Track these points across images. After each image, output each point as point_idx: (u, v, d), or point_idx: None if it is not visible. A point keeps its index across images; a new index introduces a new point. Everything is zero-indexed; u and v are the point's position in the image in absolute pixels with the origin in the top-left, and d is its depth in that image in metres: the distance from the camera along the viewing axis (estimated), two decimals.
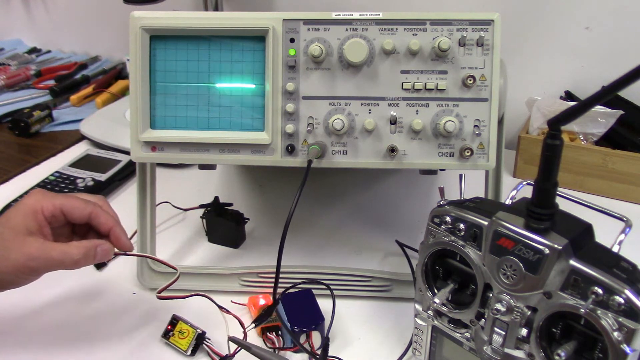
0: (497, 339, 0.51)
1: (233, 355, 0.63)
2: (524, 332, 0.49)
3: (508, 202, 0.55)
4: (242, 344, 0.60)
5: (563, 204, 0.49)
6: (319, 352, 0.63)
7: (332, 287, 0.72)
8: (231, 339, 0.61)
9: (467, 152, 0.63)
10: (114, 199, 0.97)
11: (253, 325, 0.65)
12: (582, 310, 0.44)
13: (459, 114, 0.63)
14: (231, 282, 0.74)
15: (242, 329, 0.65)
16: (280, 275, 0.71)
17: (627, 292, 0.42)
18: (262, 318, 0.65)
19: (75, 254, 0.58)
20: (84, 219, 0.62)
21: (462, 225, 0.51)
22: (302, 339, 0.64)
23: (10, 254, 0.57)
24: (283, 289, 0.68)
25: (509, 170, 1.01)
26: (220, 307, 0.68)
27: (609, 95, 0.41)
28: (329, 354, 0.64)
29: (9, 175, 1.03)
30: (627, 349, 0.42)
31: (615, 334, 0.42)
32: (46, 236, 0.59)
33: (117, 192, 0.98)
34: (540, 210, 0.47)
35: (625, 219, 0.51)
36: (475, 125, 0.63)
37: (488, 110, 0.63)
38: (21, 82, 1.40)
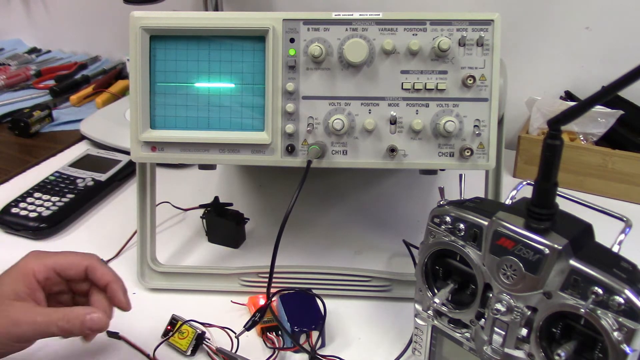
0: (497, 339, 0.51)
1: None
2: (524, 332, 0.49)
3: (508, 202, 0.55)
4: (230, 356, 0.61)
5: (563, 204, 0.49)
6: (319, 352, 0.63)
7: (332, 287, 0.73)
8: (219, 350, 0.61)
9: (467, 152, 0.63)
10: (114, 199, 0.97)
11: (245, 330, 0.64)
12: (582, 310, 0.44)
13: (459, 114, 0.63)
14: (231, 282, 0.74)
15: (237, 333, 0.65)
16: (280, 276, 0.71)
17: (627, 292, 0.42)
18: (252, 325, 0.64)
19: (59, 321, 0.54)
20: (80, 275, 0.58)
21: (462, 225, 0.51)
22: (302, 339, 0.64)
23: None
24: (277, 290, 0.68)
25: (509, 170, 1.01)
26: (203, 324, 0.66)
27: (609, 95, 0.41)
28: (329, 354, 0.64)
29: (9, 175, 1.03)
30: (627, 349, 0.42)
31: (615, 334, 0.42)
32: (38, 301, 0.56)
33: (117, 192, 0.98)
34: (540, 210, 0.47)
35: (625, 219, 0.51)
36: (475, 125, 0.63)
37: (488, 110, 0.63)
38: (21, 82, 1.40)
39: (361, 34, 0.62)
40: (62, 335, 0.55)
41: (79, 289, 0.60)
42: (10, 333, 0.53)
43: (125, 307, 0.59)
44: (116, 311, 0.67)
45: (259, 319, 0.64)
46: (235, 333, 0.65)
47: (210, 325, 0.67)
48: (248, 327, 0.64)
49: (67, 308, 0.56)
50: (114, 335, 0.66)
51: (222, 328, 0.67)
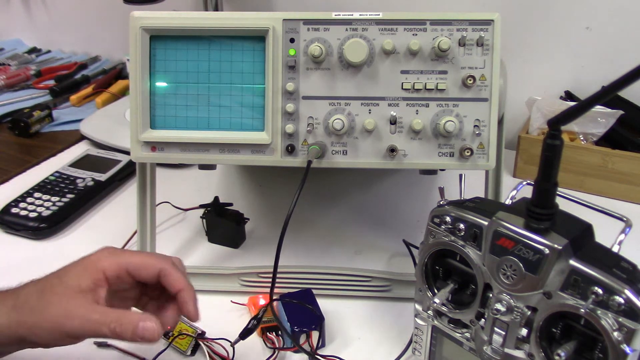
0: (497, 339, 0.51)
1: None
2: (524, 332, 0.49)
3: (508, 202, 0.55)
4: None
5: (563, 204, 0.49)
6: (319, 352, 0.63)
7: (332, 287, 0.73)
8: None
9: (467, 152, 0.63)
10: (113, 199, 0.97)
11: (240, 339, 0.64)
12: (582, 310, 0.44)
13: (459, 114, 0.63)
14: (231, 282, 0.74)
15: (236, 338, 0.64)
16: (280, 276, 0.71)
17: (627, 292, 0.42)
18: (247, 333, 0.64)
19: (110, 321, 0.51)
20: (152, 278, 0.55)
21: (462, 225, 0.51)
22: (302, 339, 0.64)
23: (50, 307, 0.51)
24: (278, 293, 0.68)
25: (509, 170, 1.01)
26: (198, 337, 0.65)
27: (609, 95, 0.41)
28: (329, 354, 0.64)
29: (9, 175, 1.03)
30: (627, 349, 0.42)
31: (615, 334, 0.42)
32: (98, 299, 0.53)
33: (117, 192, 0.98)
34: (540, 210, 0.47)
35: (625, 219, 0.51)
36: (475, 125, 0.63)
37: (488, 110, 0.63)
38: (21, 82, 1.40)
39: (361, 34, 0.62)
40: (113, 338, 0.52)
41: (149, 293, 0.58)
42: (61, 325, 0.51)
43: (194, 317, 0.56)
44: None
45: (253, 327, 0.64)
46: (230, 342, 0.64)
47: (209, 339, 0.65)
48: (243, 336, 0.63)
49: (122, 311, 0.53)
50: (102, 345, 0.65)
51: (217, 340, 0.65)
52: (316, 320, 0.65)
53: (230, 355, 0.63)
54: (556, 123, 0.44)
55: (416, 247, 0.79)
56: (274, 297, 0.70)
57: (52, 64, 1.49)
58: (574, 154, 0.94)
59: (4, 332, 0.52)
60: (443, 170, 0.67)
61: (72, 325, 0.51)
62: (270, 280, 0.71)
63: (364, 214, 0.91)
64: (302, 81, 0.64)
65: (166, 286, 0.55)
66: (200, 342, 0.64)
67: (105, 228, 0.89)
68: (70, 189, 0.93)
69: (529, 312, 0.48)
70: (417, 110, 0.63)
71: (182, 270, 0.57)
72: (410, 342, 0.64)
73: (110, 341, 0.65)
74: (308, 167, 0.61)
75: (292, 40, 0.63)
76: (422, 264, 0.56)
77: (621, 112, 0.93)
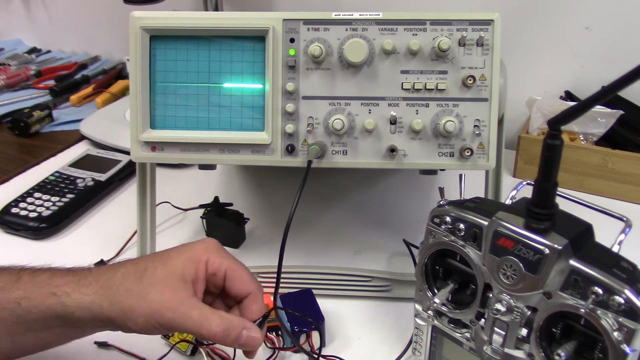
0: (497, 339, 0.51)
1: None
2: (524, 332, 0.49)
3: (508, 202, 0.55)
4: None
5: (563, 204, 0.49)
6: (319, 352, 0.63)
7: (332, 287, 0.73)
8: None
9: (467, 152, 0.63)
10: (114, 199, 0.97)
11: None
12: (582, 310, 0.44)
13: (459, 114, 0.63)
14: None
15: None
16: (281, 276, 0.70)
17: (627, 292, 0.42)
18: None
19: (215, 325, 0.49)
20: (240, 296, 0.53)
21: (462, 225, 0.51)
22: (302, 339, 0.64)
23: (152, 293, 0.49)
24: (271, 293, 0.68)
25: (509, 170, 1.01)
26: (198, 343, 0.64)
27: (609, 95, 0.41)
28: (329, 354, 0.64)
29: (9, 175, 1.03)
30: (627, 349, 0.42)
31: (615, 334, 0.42)
32: (197, 292, 0.51)
33: (117, 192, 0.98)
34: (540, 210, 0.47)
35: (625, 219, 0.51)
36: (475, 125, 0.63)
37: (488, 110, 0.63)
38: (21, 82, 1.40)
39: (361, 34, 0.62)
40: (208, 340, 0.50)
41: (226, 304, 0.56)
42: (159, 314, 0.48)
43: (251, 356, 0.54)
44: None
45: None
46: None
47: (209, 344, 0.64)
48: None
49: (225, 314, 0.51)
50: (103, 345, 0.65)
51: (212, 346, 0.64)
52: (316, 320, 0.65)
53: (231, 356, 0.63)
54: (556, 123, 0.44)
55: (416, 247, 0.79)
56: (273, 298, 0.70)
57: (52, 64, 1.49)
58: (574, 154, 0.94)
59: (92, 310, 0.49)
60: (443, 170, 0.67)
61: (170, 317, 0.48)
62: (270, 279, 0.72)
63: (364, 214, 0.91)
64: (302, 81, 0.64)
65: (244, 310, 0.53)
66: (200, 348, 0.64)
67: (105, 228, 0.89)
68: (70, 189, 0.93)
69: (529, 312, 0.48)
70: (417, 110, 0.63)
71: (263, 302, 0.55)
72: (410, 342, 0.64)
73: (110, 341, 0.65)
74: (308, 167, 0.61)
75: (292, 40, 0.63)
76: (422, 264, 0.56)
77: (621, 112, 0.93)
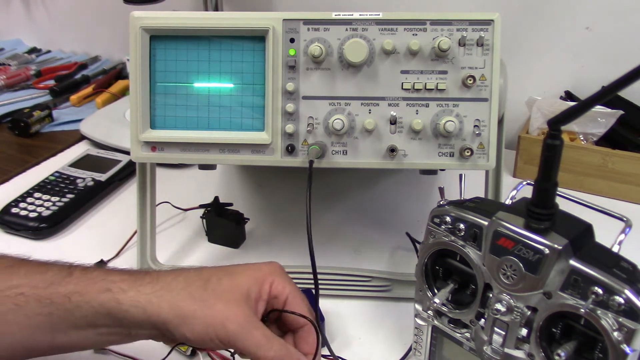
0: (497, 339, 0.51)
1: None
2: (524, 332, 0.49)
3: (508, 202, 0.55)
4: None
5: (563, 204, 0.49)
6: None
7: (332, 287, 0.73)
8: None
9: (467, 152, 0.63)
10: (114, 199, 0.97)
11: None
12: (582, 310, 0.44)
13: (459, 114, 0.63)
14: None
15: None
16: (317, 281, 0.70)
17: (627, 292, 0.42)
18: None
19: (273, 351, 0.47)
20: (295, 325, 0.53)
21: (462, 225, 0.51)
22: None
23: (217, 301, 0.48)
24: None
25: (509, 170, 1.01)
26: (196, 348, 0.63)
27: (609, 95, 0.41)
28: (330, 354, 0.64)
29: (9, 175, 1.03)
30: (627, 349, 0.42)
31: (615, 334, 0.42)
32: (258, 312, 0.50)
33: (117, 192, 0.98)
34: (540, 210, 0.47)
35: (625, 219, 0.51)
36: (475, 125, 0.63)
37: (488, 110, 0.63)
38: (21, 82, 1.40)
39: (361, 34, 0.62)
40: None
41: (280, 329, 0.55)
42: (220, 324, 0.47)
43: None
44: None
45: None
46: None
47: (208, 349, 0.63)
48: None
49: (284, 342, 0.49)
50: (101, 351, 0.64)
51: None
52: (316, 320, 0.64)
53: (230, 355, 0.63)
54: (556, 123, 0.44)
55: (419, 242, 0.79)
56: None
57: (52, 64, 1.49)
58: (574, 154, 0.94)
59: (147, 311, 0.48)
60: (443, 170, 0.67)
61: (233, 331, 0.47)
62: None
63: (364, 214, 0.91)
64: (302, 81, 0.64)
65: (300, 341, 0.52)
66: (199, 351, 0.64)
67: (105, 228, 0.89)
68: (70, 189, 0.93)
69: (529, 312, 0.48)
70: (417, 110, 0.63)
71: (319, 338, 0.53)
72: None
73: (109, 347, 0.65)
74: (310, 167, 0.61)
75: (292, 40, 0.63)
76: (422, 264, 0.56)
77: (621, 112, 0.93)
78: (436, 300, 0.54)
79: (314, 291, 0.57)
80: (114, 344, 0.53)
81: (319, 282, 0.72)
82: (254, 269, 0.52)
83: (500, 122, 0.67)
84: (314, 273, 0.56)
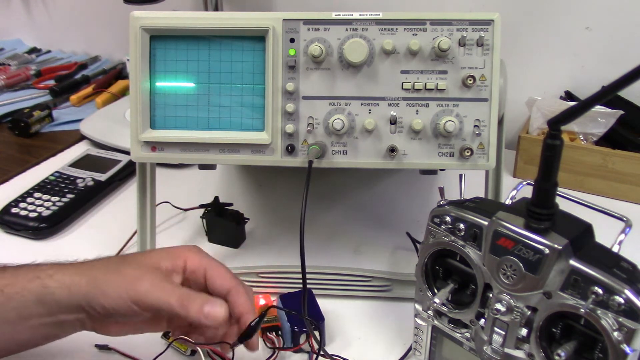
0: (497, 339, 0.51)
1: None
2: (524, 332, 0.49)
3: (508, 202, 0.55)
4: None
5: (563, 204, 0.49)
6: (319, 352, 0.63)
7: (332, 287, 0.73)
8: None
9: (467, 152, 0.63)
10: (114, 199, 0.97)
11: (238, 343, 0.63)
12: (582, 310, 0.44)
13: (459, 114, 0.63)
14: None
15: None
16: (280, 276, 0.70)
17: (627, 292, 0.42)
18: (245, 337, 0.63)
19: (180, 294, 0.51)
20: (221, 293, 0.55)
21: (462, 225, 0.51)
22: (302, 339, 0.64)
23: (126, 269, 0.52)
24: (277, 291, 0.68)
25: (509, 170, 1.01)
26: (195, 344, 0.62)
27: (609, 95, 0.41)
28: (330, 354, 0.64)
29: (9, 175, 1.03)
30: (627, 349, 0.42)
31: (615, 334, 0.42)
32: (172, 281, 0.54)
33: (117, 192, 0.98)
34: (540, 210, 0.47)
35: (625, 219, 0.51)
36: (475, 125, 0.63)
37: (488, 110, 0.63)
38: (21, 82, 1.40)
39: (361, 34, 0.62)
40: (178, 312, 0.51)
41: None
42: (131, 285, 0.51)
43: (253, 347, 0.57)
44: None
45: (252, 332, 0.63)
46: (230, 343, 0.63)
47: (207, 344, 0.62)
48: (241, 340, 0.63)
49: (192, 290, 0.53)
50: (104, 347, 0.65)
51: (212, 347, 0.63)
52: (316, 320, 0.64)
53: (230, 355, 0.63)
54: (556, 123, 0.44)
55: (419, 242, 0.79)
56: (273, 298, 0.70)
57: (52, 64, 1.49)
58: (574, 154, 0.94)
59: (71, 290, 0.51)
60: (443, 170, 0.67)
61: (142, 288, 0.51)
62: (271, 279, 0.72)
63: (364, 214, 0.91)
64: (302, 81, 0.64)
65: (231, 306, 0.55)
66: (199, 348, 0.64)
67: (105, 228, 0.89)
68: (70, 189, 0.93)
69: (529, 312, 0.48)
70: (417, 110, 0.63)
71: (251, 297, 0.57)
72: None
73: (110, 344, 0.65)
74: (310, 167, 0.61)
75: (292, 40, 0.63)
76: (422, 264, 0.56)
77: (621, 112, 0.93)
78: (436, 300, 0.54)
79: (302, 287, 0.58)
80: (47, 339, 0.55)
81: (319, 282, 0.72)
82: (164, 249, 0.57)
83: (500, 122, 0.67)
84: (303, 272, 0.57)
